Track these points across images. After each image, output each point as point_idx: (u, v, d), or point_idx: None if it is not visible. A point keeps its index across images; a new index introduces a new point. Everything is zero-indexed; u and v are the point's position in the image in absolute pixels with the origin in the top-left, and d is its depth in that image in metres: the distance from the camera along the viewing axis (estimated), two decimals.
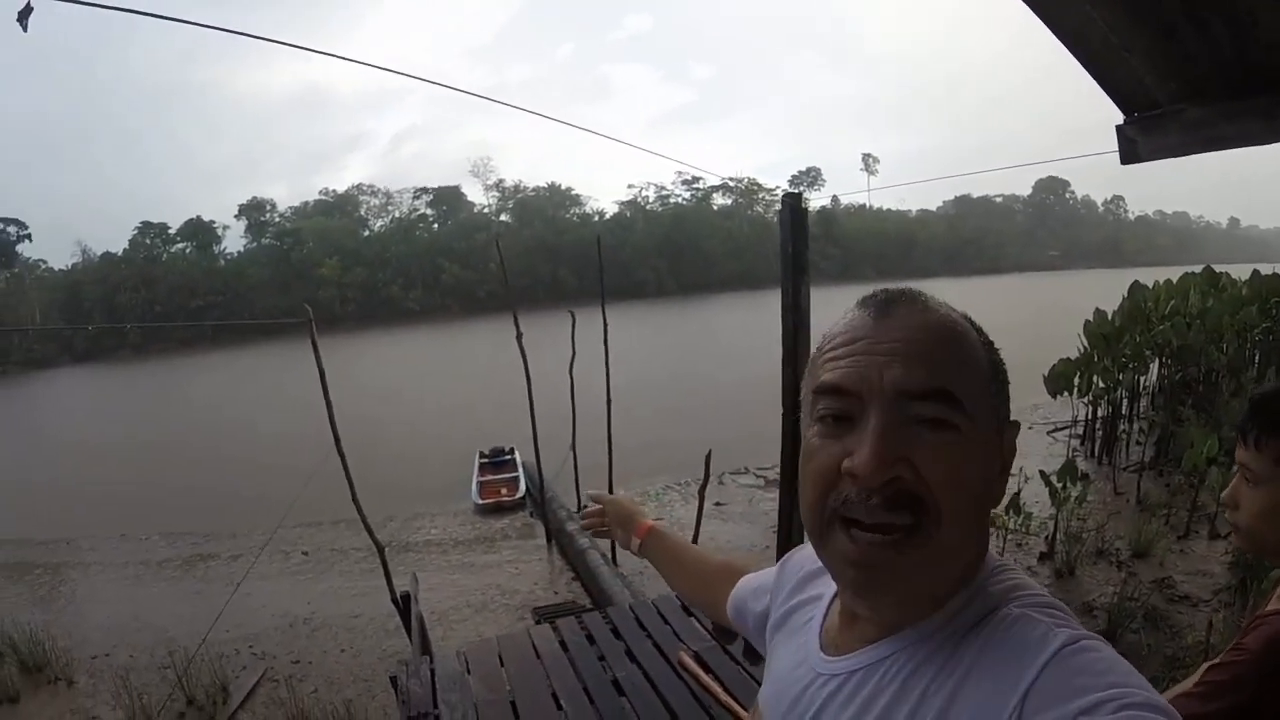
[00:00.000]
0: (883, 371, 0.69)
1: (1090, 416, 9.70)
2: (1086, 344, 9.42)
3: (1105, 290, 11.52)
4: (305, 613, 6.96)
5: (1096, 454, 9.39)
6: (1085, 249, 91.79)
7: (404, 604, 5.08)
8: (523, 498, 10.20)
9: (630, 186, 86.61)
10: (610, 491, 7.47)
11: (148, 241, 65.33)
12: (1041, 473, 6.80)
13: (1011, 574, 0.75)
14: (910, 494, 0.67)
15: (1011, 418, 0.77)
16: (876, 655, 0.74)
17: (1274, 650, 1.19)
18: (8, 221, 61.72)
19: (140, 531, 10.47)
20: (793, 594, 0.97)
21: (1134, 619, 5.00)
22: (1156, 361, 9.68)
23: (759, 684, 0.98)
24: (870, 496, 0.68)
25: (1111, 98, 2.34)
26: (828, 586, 0.90)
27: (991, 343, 0.76)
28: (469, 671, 3.64)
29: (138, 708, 5.12)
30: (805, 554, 1.00)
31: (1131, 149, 2.39)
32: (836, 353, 0.74)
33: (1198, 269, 11.11)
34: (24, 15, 2.05)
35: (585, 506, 1.61)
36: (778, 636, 0.97)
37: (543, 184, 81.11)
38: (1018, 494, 6.71)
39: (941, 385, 0.68)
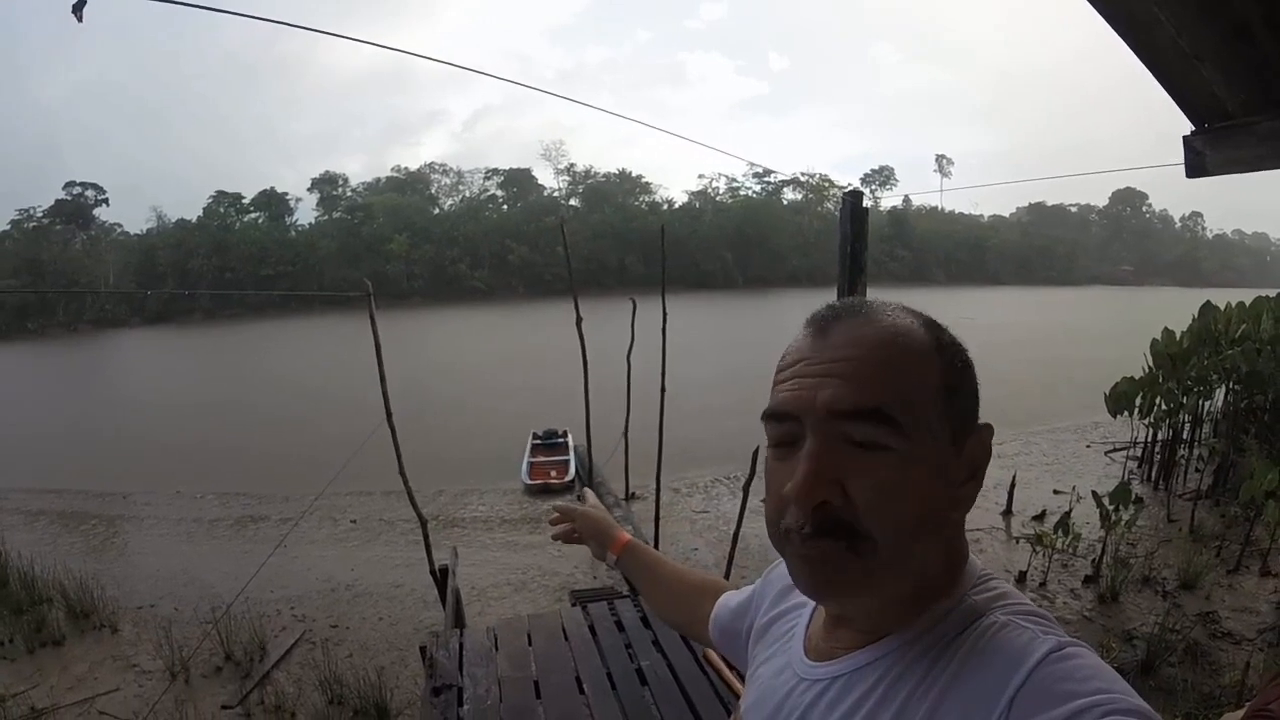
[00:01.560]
0: (817, 393, 0.69)
1: (1150, 439, 9.42)
2: (1152, 363, 9.15)
3: (1177, 308, 11.17)
4: (348, 579, 7.12)
5: (1153, 478, 9.12)
6: (1159, 265, 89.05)
7: (441, 577, 5.18)
8: (572, 481, 10.23)
9: (701, 177, 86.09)
10: (657, 481, 7.53)
11: (221, 210, 67.13)
12: (1094, 493, 6.64)
13: (996, 583, 0.74)
14: (841, 521, 0.68)
15: (982, 420, 0.75)
16: (860, 661, 0.74)
17: None
18: (86, 185, 63.95)
19: (196, 490, 10.78)
20: (775, 603, 0.98)
21: (1174, 652, 4.86)
22: (1223, 387, 9.35)
23: None
24: (804, 524, 0.69)
25: (1181, 107, 2.25)
26: None
27: (954, 346, 0.74)
28: (497, 648, 3.71)
29: (177, 659, 5.31)
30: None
31: (1198, 161, 2.30)
32: (783, 375, 0.74)
33: (1273, 292, 10.71)
34: (79, 7, 2.11)
35: (558, 509, 1.55)
36: (759, 645, 0.97)
37: (613, 170, 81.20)
38: (1068, 513, 6.56)
39: (873, 404, 0.67)
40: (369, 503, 9.58)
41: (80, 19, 2.30)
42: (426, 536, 5.63)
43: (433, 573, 5.36)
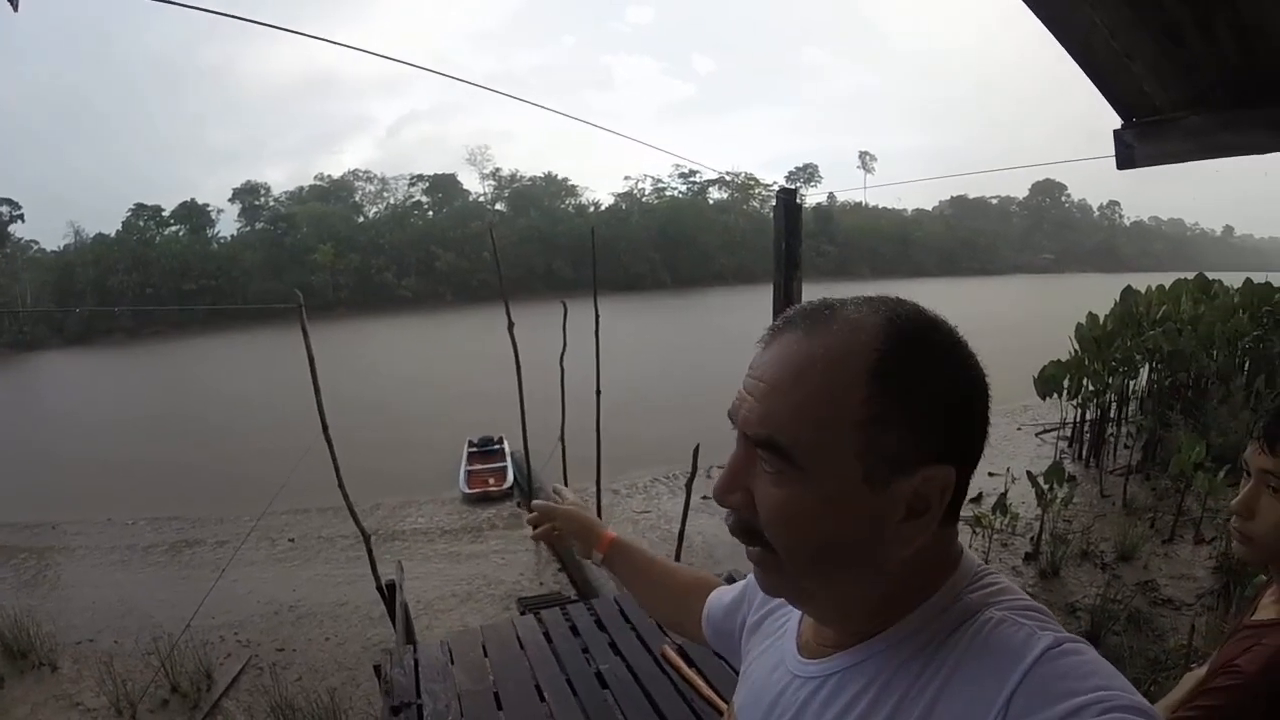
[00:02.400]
0: (741, 403, 0.71)
1: (1079, 419, 9.73)
2: (1077, 347, 9.46)
3: (1098, 294, 11.55)
4: (291, 600, 6.95)
5: (1084, 457, 9.43)
6: (1080, 253, 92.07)
7: (389, 593, 5.08)
8: (510, 488, 10.20)
9: (626, 178, 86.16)
10: (597, 484, 7.51)
11: (141, 224, 64.81)
12: (1029, 474, 6.85)
13: (994, 579, 0.73)
14: (751, 528, 0.70)
15: (946, 452, 0.66)
16: (854, 659, 0.73)
17: (1272, 675, 1.17)
18: (0, 201, 61.33)
19: (127, 516, 10.39)
20: (768, 599, 0.97)
21: (1117, 621, 5.03)
22: (1146, 366, 9.72)
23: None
24: (729, 520, 0.73)
25: (1112, 104, 2.33)
26: None
27: (910, 374, 0.65)
28: (453, 661, 3.65)
29: (121, 694, 5.12)
30: None
31: (1128, 154, 2.38)
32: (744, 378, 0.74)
33: (1191, 275, 11.17)
34: None
35: (537, 509, 1.50)
36: (752, 641, 0.96)
37: (539, 174, 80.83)
38: (1005, 494, 6.74)
39: (766, 434, 0.67)
40: (306, 520, 9.38)
41: (16, 8, 2.17)
42: (370, 552, 5.53)
43: (379, 588, 5.25)
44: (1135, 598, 5.42)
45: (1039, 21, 1.96)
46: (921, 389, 0.65)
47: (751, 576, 1.03)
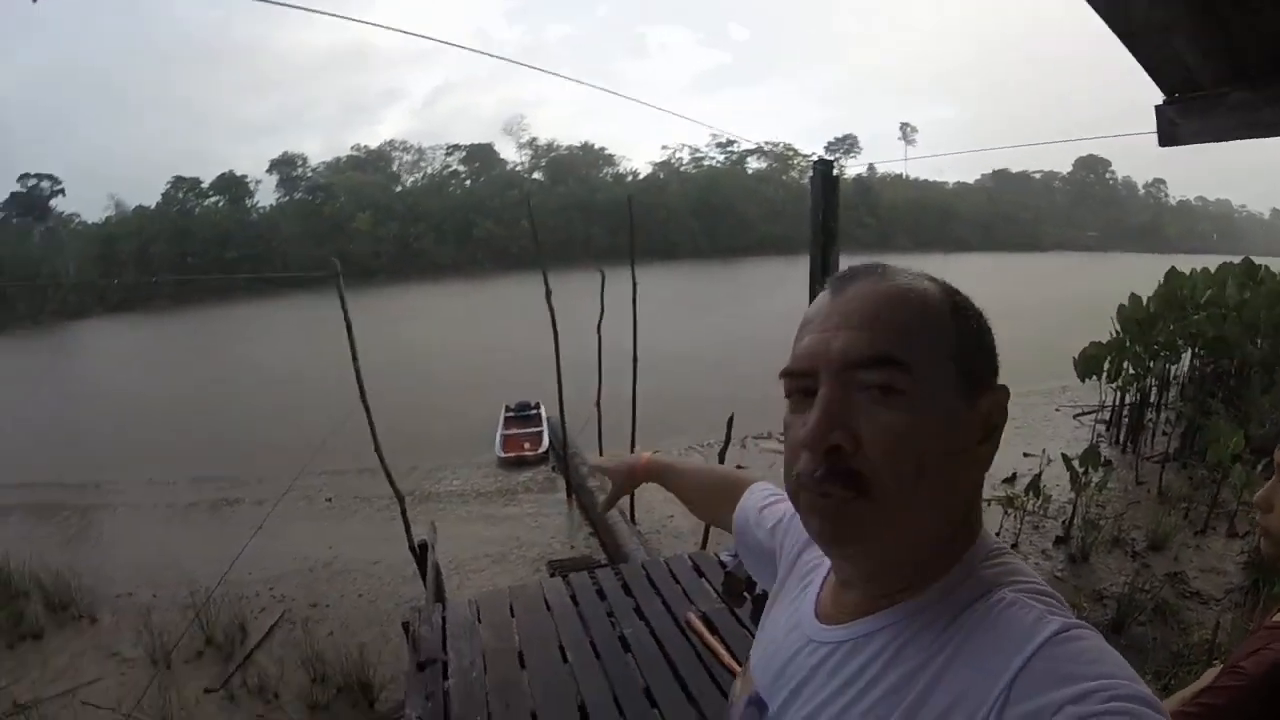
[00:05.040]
0: (831, 344, 0.72)
1: (1118, 403, 9.58)
2: (1119, 329, 9.29)
3: (1142, 274, 11.33)
4: (326, 557, 7.10)
5: (1121, 441, 9.29)
6: (1124, 231, 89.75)
7: (421, 552, 5.17)
8: (546, 452, 10.29)
9: (664, 148, 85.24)
10: (632, 451, 7.51)
11: (180, 195, 65.62)
12: (1064, 456, 6.76)
13: (1008, 558, 0.74)
14: (848, 469, 0.70)
15: (1000, 382, 0.76)
16: (866, 629, 0.75)
17: (1274, 679, 1.17)
18: (41, 176, 62.10)
19: (168, 476, 10.66)
20: (801, 551, 0.99)
21: (1143, 611, 4.97)
22: (1189, 351, 9.53)
23: None
24: (816, 468, 0.71)
25: (1153, 78, 2.28)
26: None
27: (969, 309, 0.76)
28: (480, 620, 3.71)
29: (158, 645, 5.28)
30: None
31: (1171, 131, 2.33)
32: (801, 333, 0.77)
33: (1237, 259, 10.90)
34: None
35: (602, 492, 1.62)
36: (780, 594, 0.98)
37: (576, 143, 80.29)
38: (1039, 475, 6.67)
39: (884, 350, 0.70)
40: (344, 481, 9.51)
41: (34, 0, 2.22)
42: (405, 512, 5.62)
43: (411, 548, 5.35)
44: (1163, 589, 5.34)
45: None
46: (978, 323, 0.75)
47: (789, 512, 1.05)
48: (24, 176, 61.46)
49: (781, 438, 0.80)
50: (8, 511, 9.71)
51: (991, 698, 0.60)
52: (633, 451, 6.24)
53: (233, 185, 67.23)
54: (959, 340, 0.72)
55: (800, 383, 0.75)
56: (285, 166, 72.43)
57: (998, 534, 6.37)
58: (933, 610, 0.71)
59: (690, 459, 1.40)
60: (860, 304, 0.73)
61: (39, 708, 4.74)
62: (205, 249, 59.07)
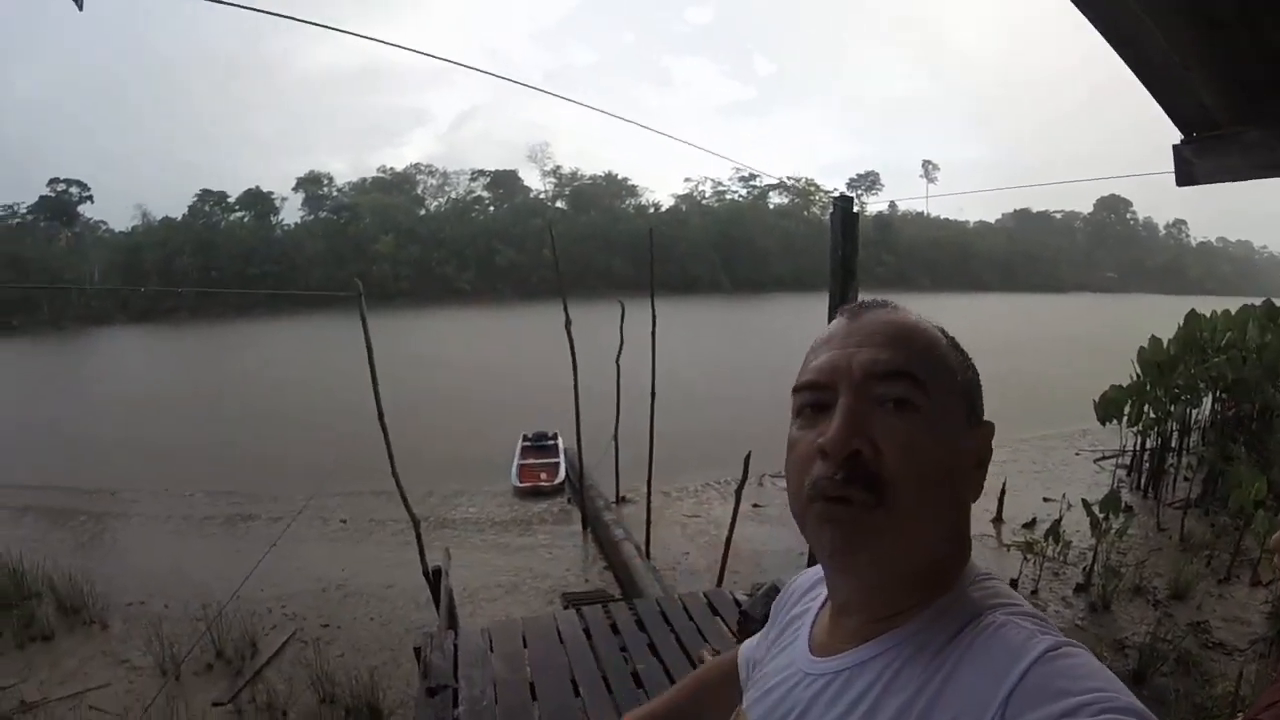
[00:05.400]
0: (852, 359, 0.76)
1: (1139, 447, 9.48)
2: (1139, 372, 9.22)
3: (1162, 316, 11.25)
4: (339, 578, 7.11)
5: (1142, 486, 9.18)
6: (1144, 271, 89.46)
7: (435, 579, 5.17)
8: (562, 483, 10.23)
9: (686, 180, 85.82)
10: (648, 485, 7.54)
11: (207, 209, 66.75)
12: (1084, 502, 6.68)
13: (995, 583, 0.77)
14: (870, 472, 0.72)
15: (987, 418, 0.81)
16: (862, 656, 0.76)
17: None
18: (70, 182, 63.41)
19: (184, 488, 10.72)
20: (786, 612, 1.00)
21: (1165, 661, 4.88)
22: (1210, 395, 9.43)
23: None
24: (836, 472, 0.72)
25: (1170, 117, 2.28)
26: (818, 596, 0.93)
27: (961, 348, 0.82)
28: (492, 649, 3.70)
29: (167, 655, 5.30)
30: (800, 578, 1.03)
31: (1188, 170, 2.33)
32: (816, 353, 0.81)
33: (1258, 301, 10.80)
34: None
35: None
36: (770, 653, 0.97)
37: (599, 172, 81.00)
38: (1058, 521, 6.60)
39: (904, 366, 0.74)
40: (359, 502, 9.52)
41: (81, 7, 2.27)
42: (420, 537, 5.62)
43: (425, 574, 5.35)
44: (1186, 639, 5.24)
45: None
46: (970, 362, 0.82)
47: (774, 608, 1.05)
48: (54, 181, 62.74)
49: None
50: (23, 512, 9.83)
51: (988, 716, 0.61)
52: (648, 486, 6.20)
53: (259, 201, 68.32)
54: (961, 372, 0.79)
55: (815, 396, 0.77)
56: (311, 185, 73.62)
57: (1017, 579, 6.31)
58: (926, 634, 0.72)
59: (662, 694, 1.24)
60: (878, 326, 0.78)
61: (46, 708, 4.79)
62: (229, 263, 59.95)
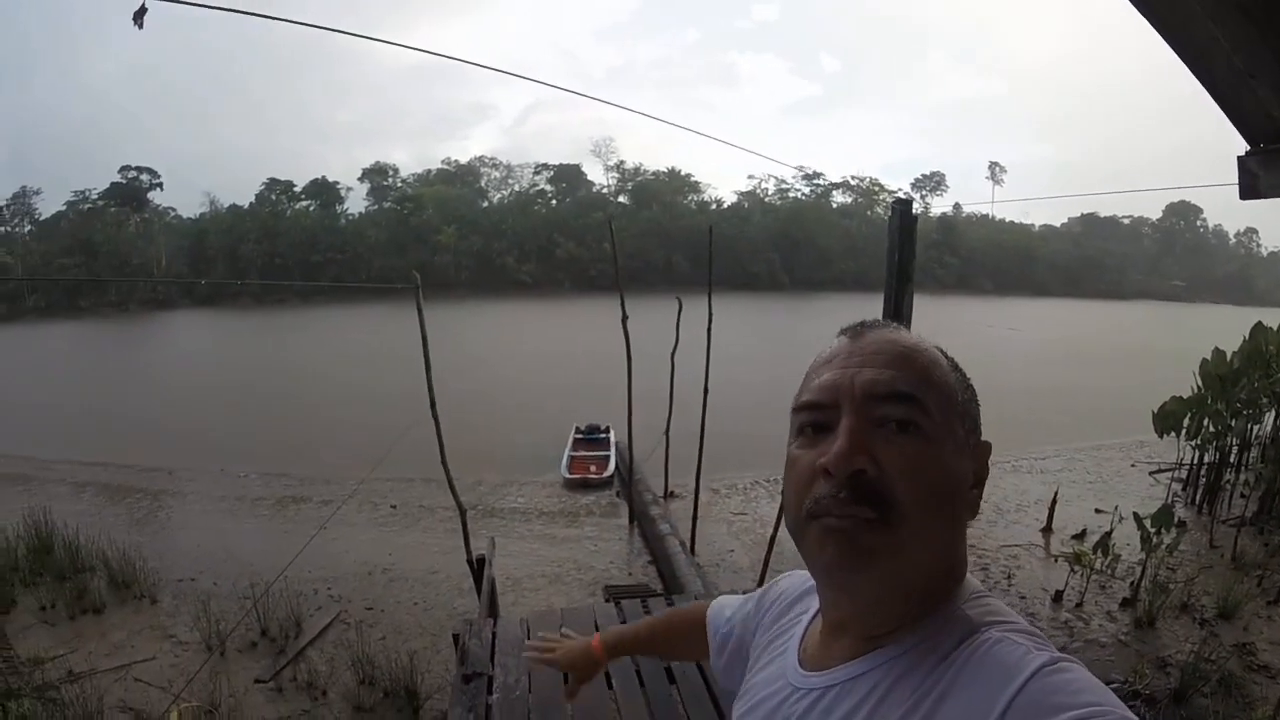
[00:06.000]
0: (854, 378, 0.77)
1: (1196, 461, 9.22)
2: (1201, 384, 8.96)
3: (1228, 327, 10.92)
4: (385, 563, 7.24)
5: (1197, 502, 8.92)
6: (1211, 281, 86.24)
7: (478, 566, 5.25)
8: (611, 476, 10.29)
9: (750, 178, 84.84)
10: (696, 481, 7.55)
11: (273, 197, 68.32)
12: (1135, 515, 6.52)
13: (990, 600, 0.78)
14: (874, 489, 0.73)
15: (984, 437, 0.83)
16: (854, 671, 0.78)
17: None
18: (140, 169, 65.37)
19: (239, 469, 11.03)
20: (775, 619, 1.02)
21: (1207, 682, 4.76)
22: (1273, 411, 9.12)
23: None
24: (840, 490, 0.73)
25: (1237, 127, 2.22)
26: (809, 609, 0.95)
27: (961, 369, 0.84)
28: (529, 638, 3.76)
29: (214, 631, 5.47)
30: (787, 583, 1.06)
31: (1252, 183, 2.26)
32: (817, 373, 0.82)
33: None
34: (139, 15, 2.19)
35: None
36: (760, 661, 0.99)
37: (662, 168, 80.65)
38: (1109, 533, 6.46)
39: (907, 388, 0.76)
40: (409, 489, 9.71)
41: (140, 26, 2.38)
42: (465, 526, 5.71)
43: (469, 561, 5.43)
44: (1230, 660, 5.10)
45: None
46: (968, 383, 0.84)
47: (759, 596, 1.09)
48: (125, 168, 64.74)
49: None
50: (82, 488, 10.21)
51: None
52: (696, 483, 6.21)
53: (324, 190, 69.73)
54: (961, 395, 0.80)
55: (816, 416, 0.79)
56: (377, 175, 74.93)
57: (1062, 592, 6.20)
58: (920, 651, 0.73)
59: (640, 620, 1.43)
60: (880, 347, 0.79)
61: (93, 679, 4.93)
62: (292, 250, 61.28)
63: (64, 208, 61.83)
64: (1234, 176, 2.34)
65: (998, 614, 0.75)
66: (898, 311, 4.18)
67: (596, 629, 3.83)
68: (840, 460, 0.73)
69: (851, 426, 0.75)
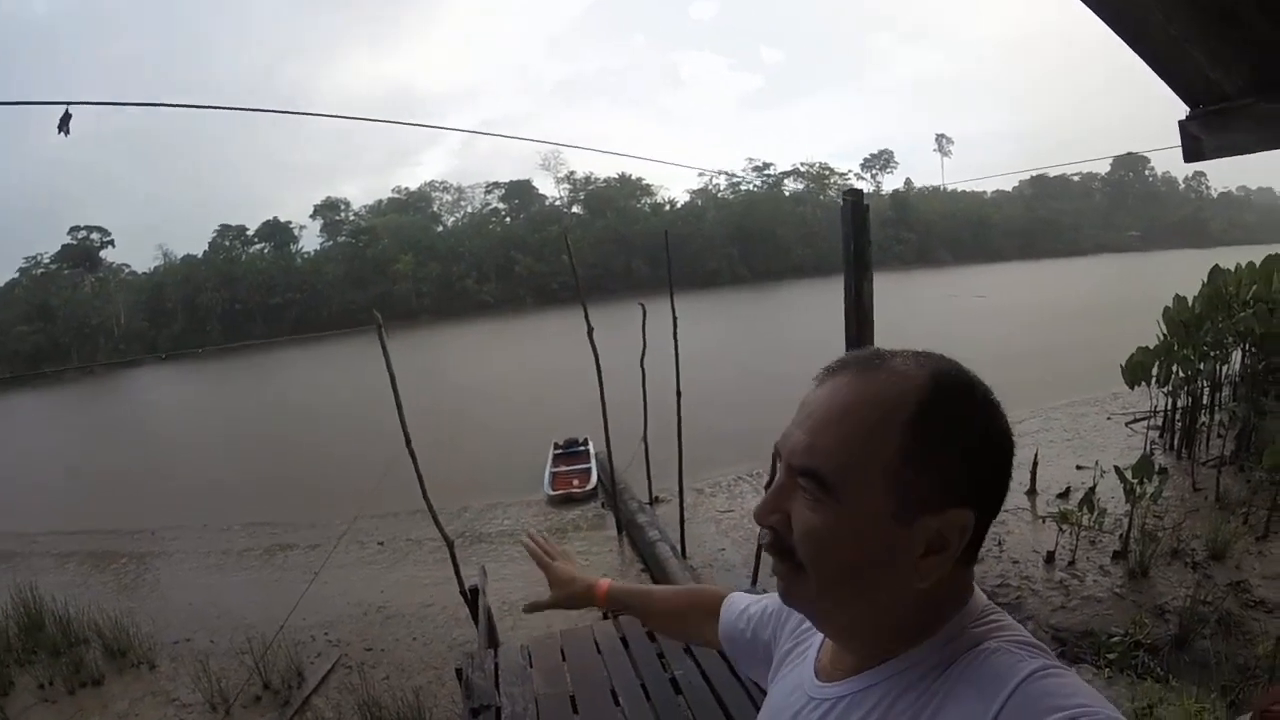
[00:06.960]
0: (790, 438, 0.78)
1: (1169, 407, 9.35)
2: (1165, 331, 9.09)
3: (1186, 272, 11.10)
4: (379, 601, 7.18)
5: (1175, 447, 9.06)
6: (1166, 228, 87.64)
7: (472, 597, 5.21)
8: (595, 489, 10.29)
9: (701, 175, 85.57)
10: (679, 484, 7.57)
11: (226, 243, 67.94)
12: (1116, 469, 6.61)
13: (999, 618, 0.78)
14: (787, 547, 0.78)
15: (967, 502, 0.72)
16: (863, 683, 0.80)
17: None
18: (91, 229, 64.98)
19: (221, 522, 10.89)
20: (796, 626, 1.03)
21: (1207, 624, 4.82)
22: (1239, 350, 9.27)
23: None
24: (766, 538, 0.80)
25: (1176, 92, 2.23)
26: None
27: (952, 421, 0.72)
28: (531, 665, 3.74)
29: (216, 691, 5.39)
30: None
31: (1195, 146, 2.27)
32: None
33: None
34: (64, 122, 2.16)
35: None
36: (783, 669, 1.01)
37: (613, 175, 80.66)
38: (1092, 489, 6.53)
39: (811, 466, 0.74)
40: (394, 524, 9.63)
41: (66, 133, 2.35)
42: (454, 558, 5.68)
43: (463, 592, 5.40)
44: (1226, 599, 5.17)
45: None
46: (953, 440, 0.72)
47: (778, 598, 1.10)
48: (74, 229, 64.10)
49: None
50: (66, 559, 10.03)
51: None
52: (679, 485, 6.23)
53: (278, 231, 69.39)
54: (904, 457, 0.71)
55: (777, 462, 0.81)
56: (329, 211, 74.57)
57: (1053, 552, 6.25)
58: (923, 665, 0.75)
59: (654, 587, 1.44)
60: (822, 403, 0.76)
61: None
62: (251, 294, 60.87)
63: (17, 274, 61.15)
64: (1176, 136, 2.36)
65: (1003, 628, 0.76)
66: (859, 299, 4.22)
67: (597, 648, 3.83)
68: (757, 513, 0.80)
69: (777, 484, 0.79)
